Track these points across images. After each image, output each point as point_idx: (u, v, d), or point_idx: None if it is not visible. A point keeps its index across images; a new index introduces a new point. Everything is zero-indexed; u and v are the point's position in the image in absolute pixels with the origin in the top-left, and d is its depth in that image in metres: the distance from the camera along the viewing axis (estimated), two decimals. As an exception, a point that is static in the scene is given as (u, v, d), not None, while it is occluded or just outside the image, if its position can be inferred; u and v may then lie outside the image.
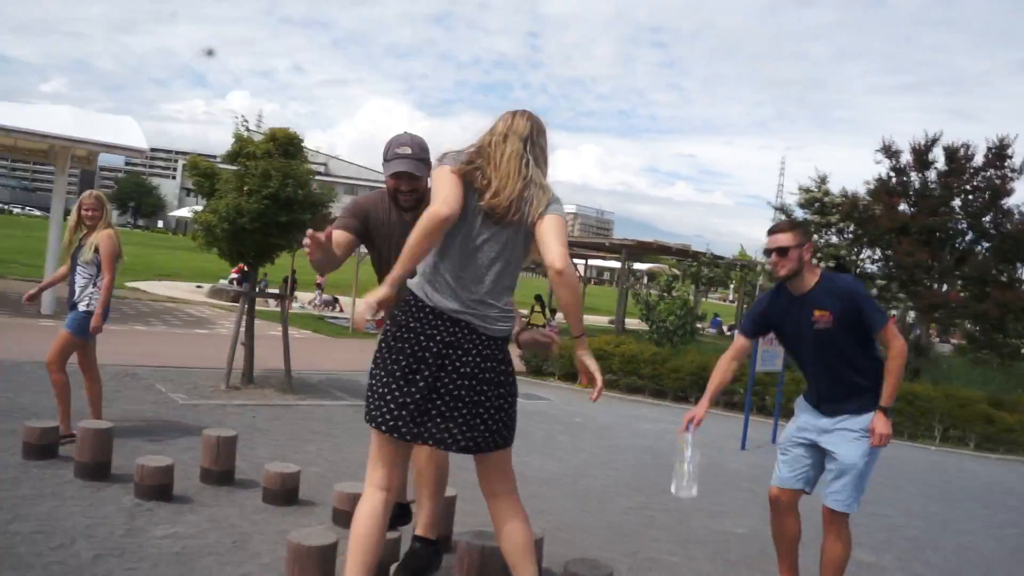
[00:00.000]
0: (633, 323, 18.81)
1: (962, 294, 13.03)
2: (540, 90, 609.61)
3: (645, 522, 5.28)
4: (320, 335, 14.99)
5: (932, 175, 13.36)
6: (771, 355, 8.80)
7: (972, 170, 12.97)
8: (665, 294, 13.19)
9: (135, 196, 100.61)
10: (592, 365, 2.80)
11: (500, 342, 2.80)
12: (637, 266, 28.17)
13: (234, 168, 7.52)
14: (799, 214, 17.61)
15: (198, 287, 22.30)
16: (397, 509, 3.91)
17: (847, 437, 3.61)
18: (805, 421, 3.80)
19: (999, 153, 12.88)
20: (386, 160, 3.36)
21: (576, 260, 28.27)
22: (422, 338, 2.73)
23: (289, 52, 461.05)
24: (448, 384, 2.73)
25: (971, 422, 10.09)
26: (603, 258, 25.06)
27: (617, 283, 25.73)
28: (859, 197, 14.53)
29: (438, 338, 2.73)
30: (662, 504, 5.76)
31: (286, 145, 7.47)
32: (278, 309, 8.03)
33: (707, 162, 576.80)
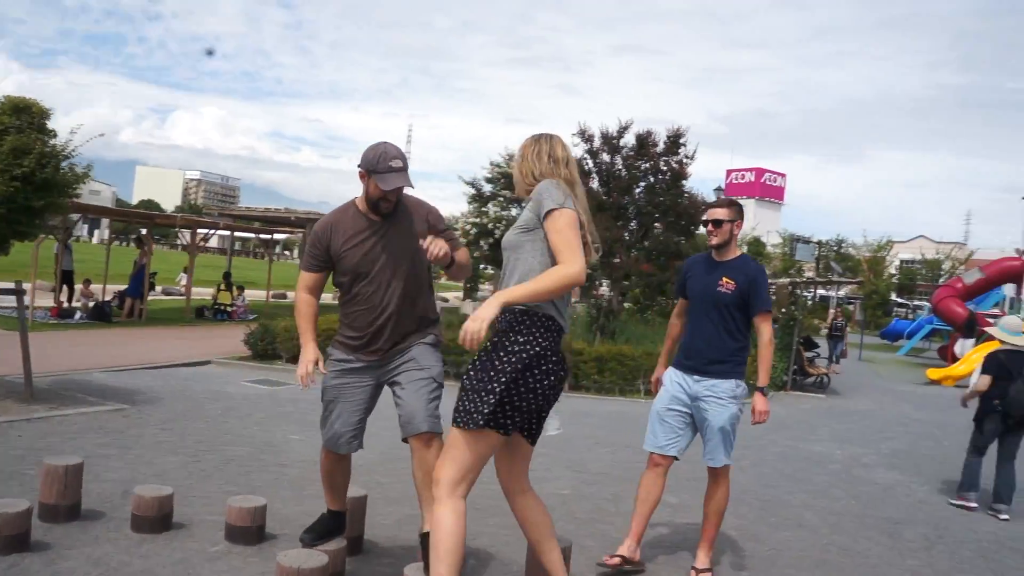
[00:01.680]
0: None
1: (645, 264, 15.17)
2: (158, 46, 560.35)
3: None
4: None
5: (620, 159, 15.18)
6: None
7: (656, 155, 14.99)
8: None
9: None
10: None
11: None
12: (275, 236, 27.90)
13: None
14: (487, 188, 18.80)
15: None
16: (335, 520, 3.85)
17: (716, 403, 4.17)
18: (678, 390, 4.30)
19: (675, 141, 15.08)
20: (376, 172, 3.41)
21: (256, 235, 27.09)
22: (556, 358, 3.01)
23: None
24: (558, 388, 3.07)
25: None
26: (291, 232, 24.37)
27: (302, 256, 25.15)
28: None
29: (560, 354, 3.04)
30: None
31: (38, 119, 6.37)
32: None
33: (333, 127, 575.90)
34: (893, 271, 55.16)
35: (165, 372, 9.95)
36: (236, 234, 23.23)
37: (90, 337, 12.75)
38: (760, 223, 53.63)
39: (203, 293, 21.67)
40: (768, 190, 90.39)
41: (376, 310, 3.56)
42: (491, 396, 2.88)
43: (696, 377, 4.24)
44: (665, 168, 14.94)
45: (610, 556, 4.26)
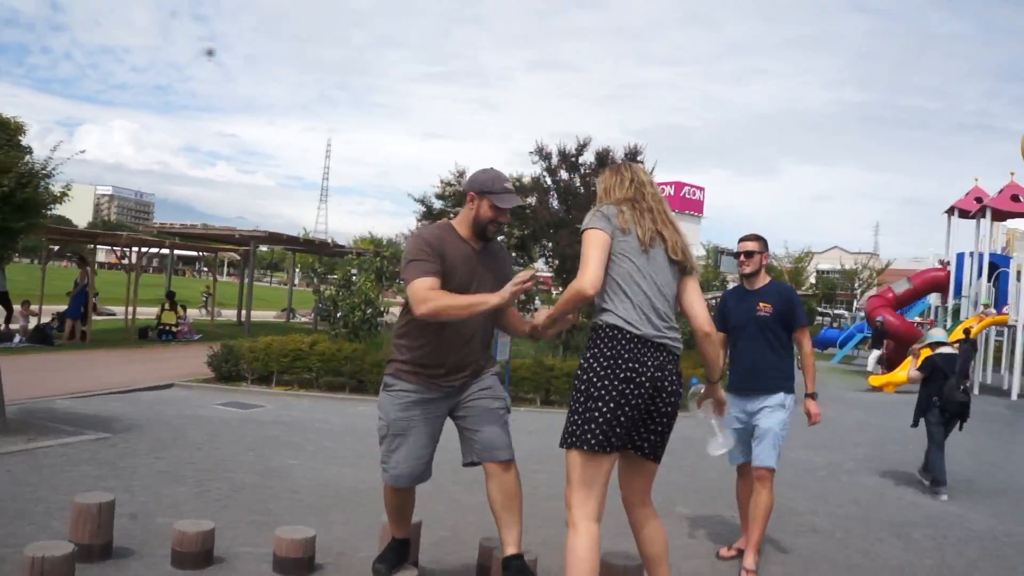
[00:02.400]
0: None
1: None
2: (64, 57, 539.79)
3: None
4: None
5: (578, 177, 15.28)
6: (504, 345, 9.48)
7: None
8: (343, 289, 13.14)
9: None
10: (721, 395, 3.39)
11: (679, 359, 3.11)
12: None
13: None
14: (438, 205, 18.66)
15: None
16: (403, 547, 3.75)
17: (768, 411, 4.60)
18: (738, 411, 4.72)
19: (632, 157, 15.25)
20: (493, 192, 3.44)
21: (200, 252, 26.27)
22: (635, 364, 2.93)
23: None
24: (661, 404, 3.02)
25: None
26: (234, 249, 23.68)
27: (242, 275, 24.50)
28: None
29: (649, 363, 2.95)
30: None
31: (14, 135, 6.02)
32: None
33: (249, 142, 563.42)
34: (812, 281, 57.12)
35: (129, 397, 9.54)
36: (165, 252, 22.44)
37: (38, 362, 12.14)
38: (683, 236, 54.73)
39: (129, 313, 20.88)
40: (688, 203, 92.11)
41: (463, 337, 3.48)
42: (573, 415, 3.00)
43: (750, 397, 4.67)
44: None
45: (727, 549, 4.90)
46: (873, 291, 52.20)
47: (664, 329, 3.03)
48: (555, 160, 15.47)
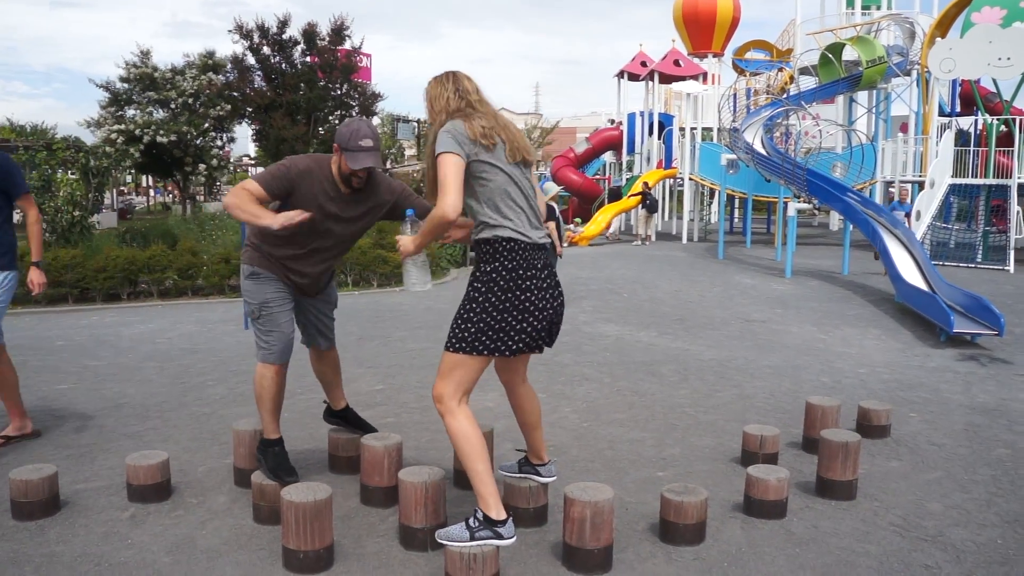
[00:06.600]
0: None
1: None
2: None
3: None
4: None
5: (293, 53, 14.50)
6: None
7: (323, 49, 14.49)
8: (42, 192, 11.72)
9: None
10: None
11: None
12: None
13: None
14: (122, 88, 16.87)
15: None
16: (282, 447, 3.90)
17: None
18: None
19: (338, 32, 14.72)
20: (347, 149, 3.51)
21: None
22: (532, 271, 3.18)
23: None
24: (558, 297, 3.33)
25: (372, 267, 12.29)
26: None
27: None
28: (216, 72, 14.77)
29: (539, 264, 3.21)
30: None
31: None
32: None
33: None
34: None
35: None
36: None
37: None
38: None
39: None
40: (359, 72, 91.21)
41: (312, 258, 3.76)
42: (471, 325, 3.16)
43: None
44: (335, 62, 14.68)
45: None
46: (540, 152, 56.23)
47: (541, 228, 3.30)
48: (256, 38, 14.56)
